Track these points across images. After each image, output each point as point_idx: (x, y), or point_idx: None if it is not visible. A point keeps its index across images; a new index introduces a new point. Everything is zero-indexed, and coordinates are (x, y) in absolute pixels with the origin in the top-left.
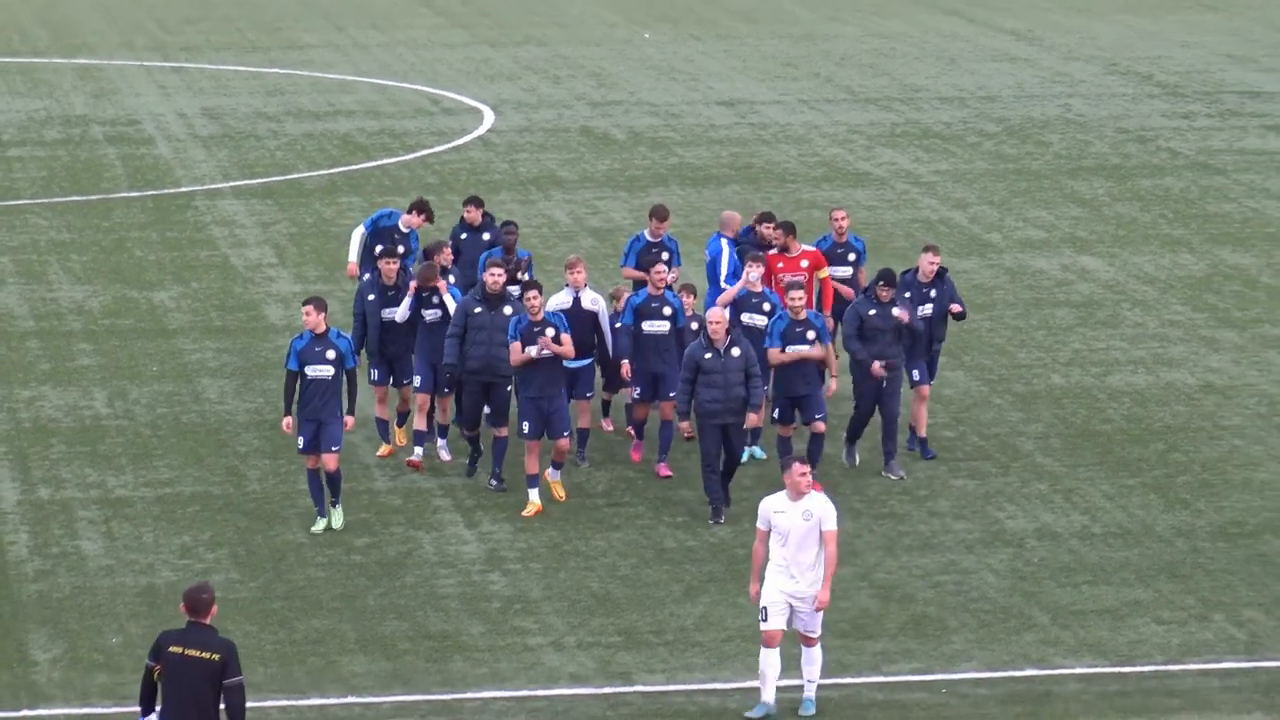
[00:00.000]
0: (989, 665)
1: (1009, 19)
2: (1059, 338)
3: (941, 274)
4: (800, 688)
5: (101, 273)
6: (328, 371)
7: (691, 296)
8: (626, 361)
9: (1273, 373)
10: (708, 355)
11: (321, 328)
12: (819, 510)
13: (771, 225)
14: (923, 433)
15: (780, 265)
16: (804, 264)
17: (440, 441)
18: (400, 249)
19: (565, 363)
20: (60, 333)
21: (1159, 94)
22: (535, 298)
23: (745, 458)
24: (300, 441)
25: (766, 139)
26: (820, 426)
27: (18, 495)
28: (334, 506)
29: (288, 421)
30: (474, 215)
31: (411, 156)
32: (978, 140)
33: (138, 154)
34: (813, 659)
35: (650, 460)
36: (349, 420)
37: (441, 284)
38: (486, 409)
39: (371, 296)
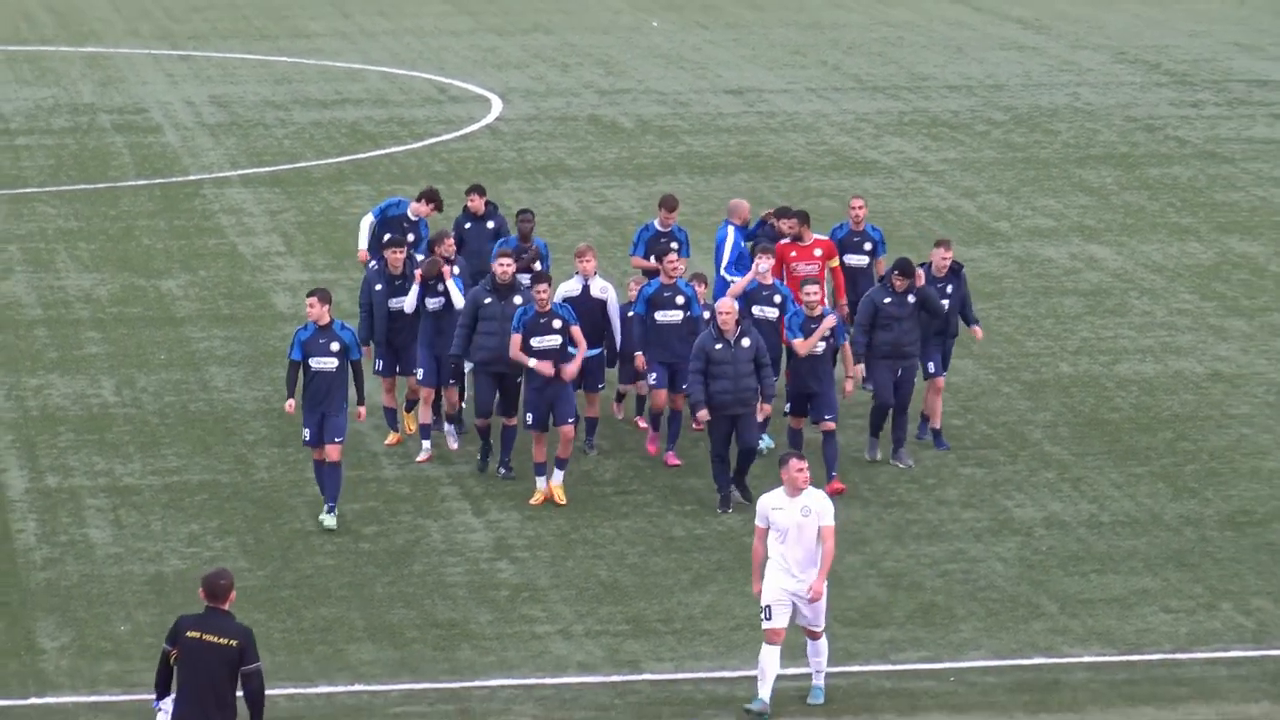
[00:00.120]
0: (997, 654)
1: (1016, 7)
2: (1067, 326)
3: (956, 269)
4: (808, 676)
5: (109, 261)
6: (331, 364)
7: (703, 285)
8: (640, 354)
9: None
10: (718, 346)
11: (325, 319)
12: (817, 506)
13: (787, 217)
14: (937, 424)
15: (793, 254)
16: (817, 253)
17: (448, 428)
18: (410, 236)
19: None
20: (68, 321)
21: (1167, 82)
22: (544, 290)
23: (764, 449)
24: (306, 434)
25: (774, 127)
26: (830, 425)
27: (26, 483)
28: (328, 512)
29: (290, 404)
30: (477, 204)
31: (419, 145)
32: (986, 129)
33: (145, 142)
34: (819, 650)
35: (660, 449)
36: (361, 411)
37: (446, 270)
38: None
39: (379, 286)
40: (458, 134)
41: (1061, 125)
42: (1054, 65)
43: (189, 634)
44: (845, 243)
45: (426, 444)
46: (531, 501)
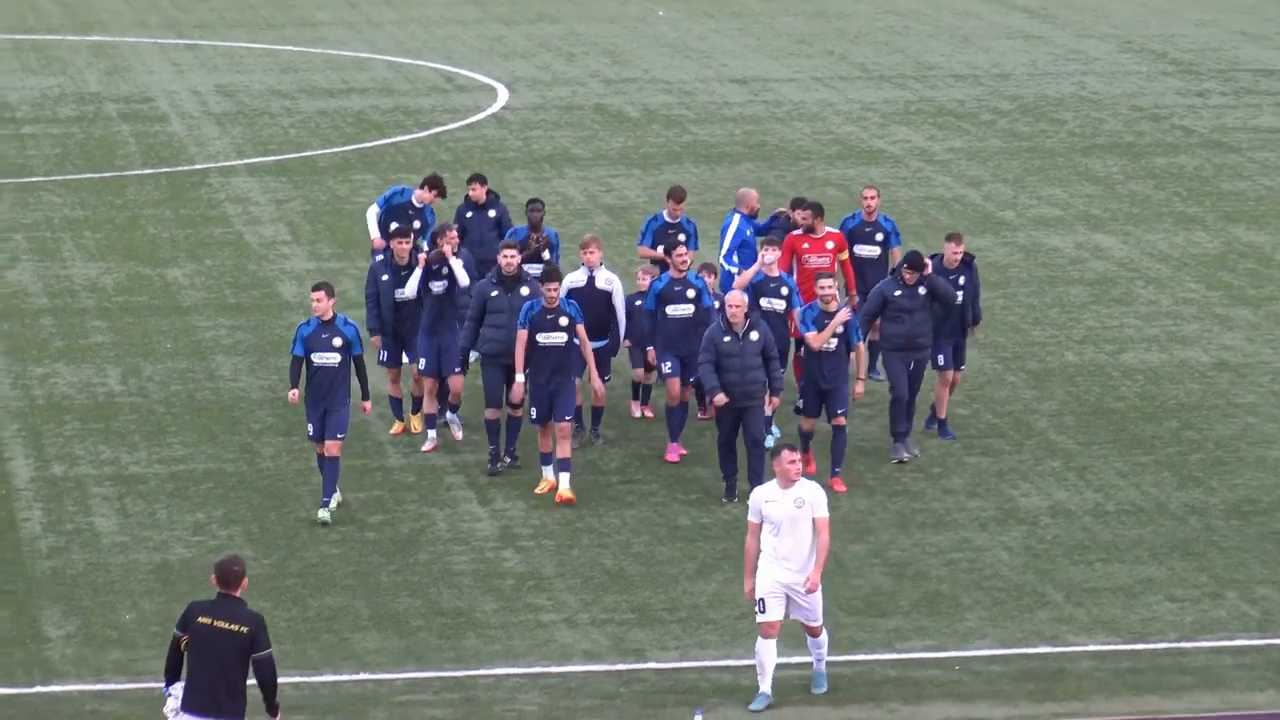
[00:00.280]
0: (1002, 642)
1: None
2: (1073, 315)
3: (968, 261)
4: (809, 665)
5: (115, 250)
6: (334, 359)
7: (712, 276)
8: (650, 349)
9: None
10: (726, 338)
11: (329, 314)
12: (811, 497)
13: (802, 208)
14: (942, 414)
15: (805, 246)
16: (829, 245)
17: (451, 416)
18: (415, 224)
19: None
20: (74, 310)
21: (1173, 72)
22: (554, 289)
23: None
24: (310, 429)
25: (780, 116)
26: (841, 420)
27: (31, 472)
28: (324, 506)
29: (294, 393)
30: (478, 193)
31: (425, 134)
32: (992, 118)
33: (151, 131)
34: (820, 644)
35: (664, 437)
36: (366, 405)
37: (450, 247)
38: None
39: (385, 277)
40: (464, 123)
41: (1067, 114)
42: (1060, 54)
43: (200, 620)
44: (856, 233)
45: (432, 433)
46: (537, 490)
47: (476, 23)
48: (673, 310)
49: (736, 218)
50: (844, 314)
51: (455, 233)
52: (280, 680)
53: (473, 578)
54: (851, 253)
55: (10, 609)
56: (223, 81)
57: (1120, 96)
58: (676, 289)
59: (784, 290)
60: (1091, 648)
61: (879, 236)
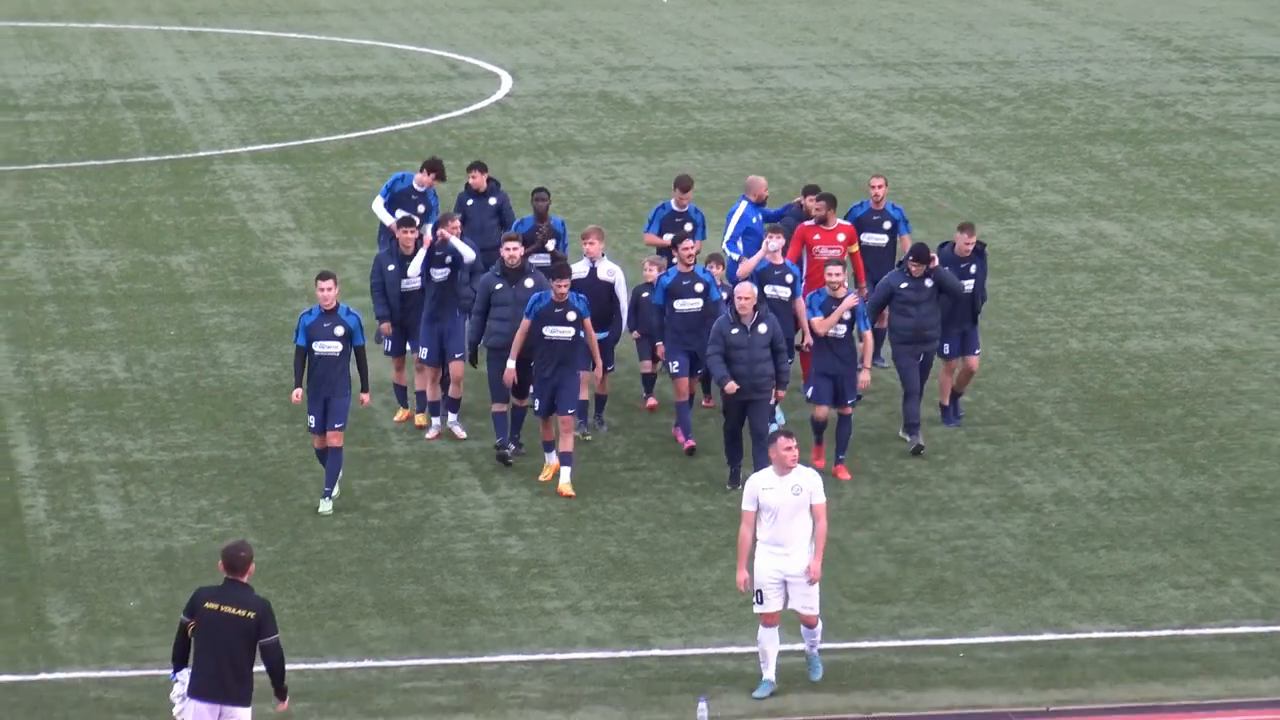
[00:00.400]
0: (1006, 629)
1: None
2: (1077, 302)
3: (980, 250)
4: (801, 652)
5: (119, 237)
6: (335, 348)
7: (720, 267)
8: (659, 344)
9: None
10: (734, 330)
11: (333, 304)
12: (808, 484)
13: (814, 198)
14: (945, 400)
15: (817, 237)
16: (840, 238)
17: (453, 418)
18: (420, 208)
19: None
20: (78, 297)
21: (1177, 59)
22: (564, 285)
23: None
24: (311, 421)
25: (784, 104)
26: (848, 410)
27: (35, 459)
28: (325, 497)
29: (297, 393)
30: (479, 180)
31: (429, 121)
32: (996, 105)
33: (155, 118)
34: (814, 633)
35: (668, 424)
36: (364, 398)
37: (452, 229)
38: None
39: (391, 267)
40: (468, 110)
41: (1071, 102)
42: (1064, 42)
43: (207, 605)
44: (864, 221)
45: (436, 421)
46: (541, 477)
47: (481, 10)
48: (681, 305)
49: (743, 204)
50: (851, 299)
51: (458, 221)
52: (285, 667)
53: (477, 565)
54: (860, 241)
55: (14, 596)
56: (227, 69)
57: (1124, 84)
58: (684, 283)
59: (788, 278)
60: (1095, 635)
61: (887, 225)
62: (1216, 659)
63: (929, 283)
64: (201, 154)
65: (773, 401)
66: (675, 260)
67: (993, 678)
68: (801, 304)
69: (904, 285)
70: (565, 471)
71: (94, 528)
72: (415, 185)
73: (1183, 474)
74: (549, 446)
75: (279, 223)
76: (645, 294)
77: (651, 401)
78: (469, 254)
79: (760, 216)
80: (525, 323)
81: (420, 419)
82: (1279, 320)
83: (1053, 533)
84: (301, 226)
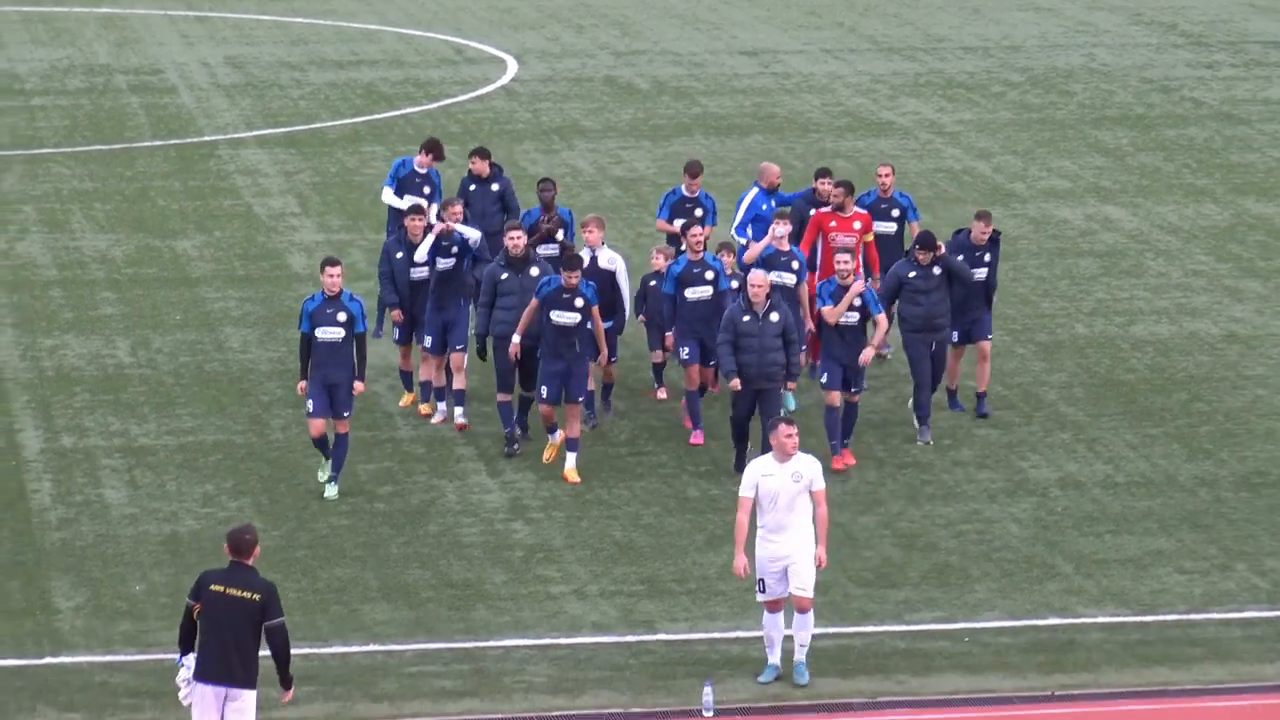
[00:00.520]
0: (1011, 614)
1: None
2: (1082, 287)
3: (995, 239)
4: (819, 636)
5: (124, 222)
6: (338, 334)
7: (730, 256)
8: (669, 333)
9: None
10: (745, 318)
11: (336, 290)
12: (808, 471)
13: (829, 180)
14: (953, 385)
15: (833, 224)
16: (856, 225)
17: (459, 410)
18: (425, 189)
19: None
20: (83, 282)
21: (1183, 44)
22: (575, 277)
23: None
24: (310, 405)
25: (790, 88)
26: (856, 398)
27: (41, 444)
28: (331, 482)
29: (302, 385)
30: (480, 167)
31: (435, 106)
32: (1002, 90)
33: (161, 103)
34: (806, 624)
35: (673, 409)
36: (358, 385)
37: (456, 212)
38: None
39: (399, 254)
40: (473, 95)
41: (1077, 86)
42: (1070, 26)
43: (213, 588)
44: (872, 209)
45: (441, 405)
46: (544, 459)
47: None
48: (691, 293)
49: (754, 191)
50: (858, 285)
51: (459, 207)
52: (291, 651)
53: (482, 549)
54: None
55: (20, 580)
56: (232, 53)
57: (1130, 68)
58: (695, 271)
59: (794, 264)
60: (1101, 619)
61: (895, 213)
62: (1222, 644)
63: (937, 270)
64: (207, 139)
65: (783, 390)
66: (684, 248)
67: (998, 662)
68: (805, 290)
69: (912, 274)
70: (571, 457)
71: (99, 512)
72: (416, 168)
73: (1188, 459)
74: (552, 429)
75: (284, 207)
76: (653, 282)
77: (661, 393)
78: (474, 235)
79: (773, 203)
80: (534, 302)
81: (424, 408)
82: None
83: (1058, 517)
84: (307, 211)
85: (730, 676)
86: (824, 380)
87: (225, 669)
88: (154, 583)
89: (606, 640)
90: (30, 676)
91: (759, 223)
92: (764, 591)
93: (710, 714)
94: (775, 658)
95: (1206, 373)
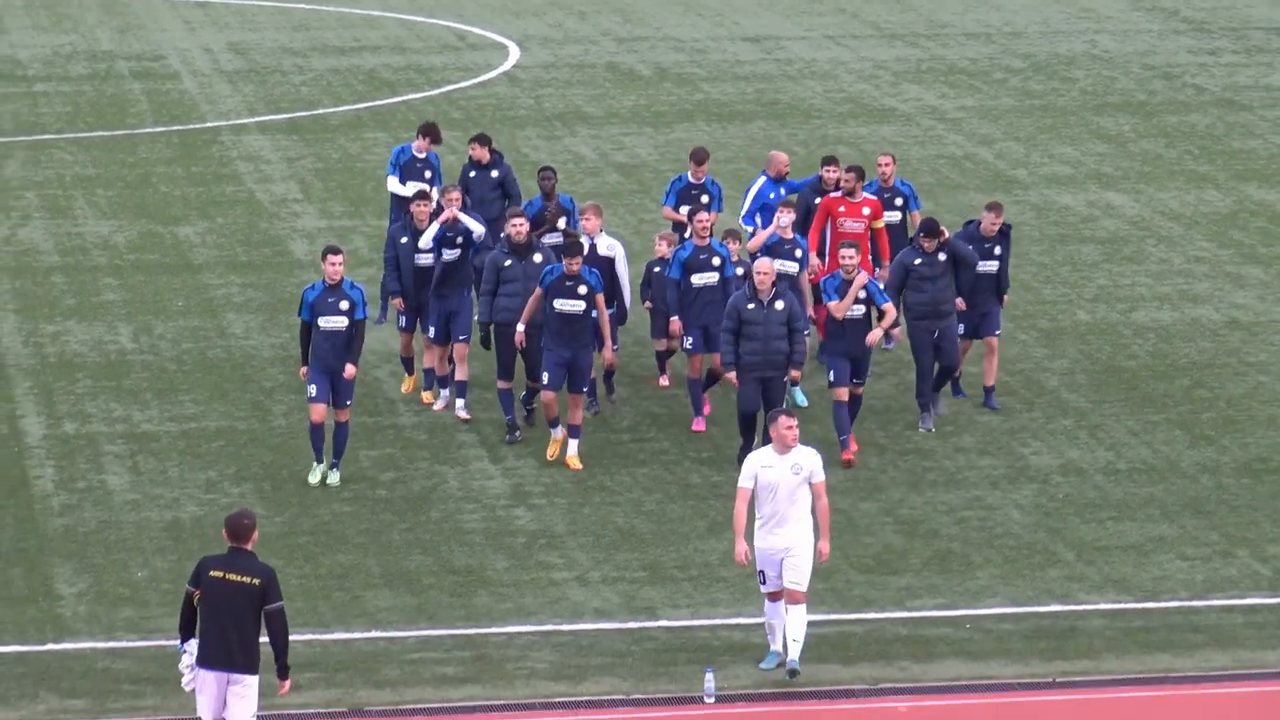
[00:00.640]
0: (1013, 601)
1: None
2: (1084, 274)
3: (1005, 231)
4: (828, 623)
5: (127, 208)
6: (341, 323)
7: (736, 242)
8: (675, 319)
9: None
10: (750, 306)
11: (338, 278)
12: (808, 463)
13: (835, 167)
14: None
15: (842, 210)
16: (865, 211)
17: (460, 402)
18: (427, 173)
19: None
20: (85, 268)
21: (1185, 30)
22: (576, 263)
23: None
24: (313, 389)
25: (792, 75)
26: (859, 390)
27: (43, 430)
28: (333, 468)
29: (304, 371)
30: (480, 153)
31: (437, 92)
32: (1004, 76)
33: (163, 89)
34: (799, 618)
35: (676, 396)
36: (350, 369)
37: (456, 200)
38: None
39: (404, 240)
40: (475, 81)
41: (1079, 73)
42: (1072, 13)
43: (212, 574)
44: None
45: (444, 392)
46: (548, 456)
47: None
48: (698, 279)
49: (761, 179)
50: (861, 278)
51: (458, 193)
52: (292, 638)
53: (484, 536)
54: None
55: (23, 567)
56: (234, 39)
57: (1132, 55)
58: (701, 257)
59: (797, 252)
60: (1102, 606)
61: (898, 201)
62: (1223, 630)
63: (942, 256)
64: (209, 125)
65: (786, 379)
66: (690, 234)
67: (999, 649)
68: (806, 279)
69: (918, 261)
70: (573, 444)
71: (102, 498)
72: (415, 153)
73: (1190, 445)
74: (554, 424)
75: (287, 193)
76: (658, 268)
77: (664, 381)
78: (479, 229)
79: (782, 191)
80: (538, 290)
81: (427, 396)
82: None
83: (1060, 504)
84: (309, 197)
85: (732, 663)
86: (831, 378)
87: (226, 654)
88: (156, 569)
89: (608, 627)
90: (33, 663)
91: (767, 211)
92: (765, 584)
93: (712, 700)
94: (777, 644)
95: (1208, 359)
